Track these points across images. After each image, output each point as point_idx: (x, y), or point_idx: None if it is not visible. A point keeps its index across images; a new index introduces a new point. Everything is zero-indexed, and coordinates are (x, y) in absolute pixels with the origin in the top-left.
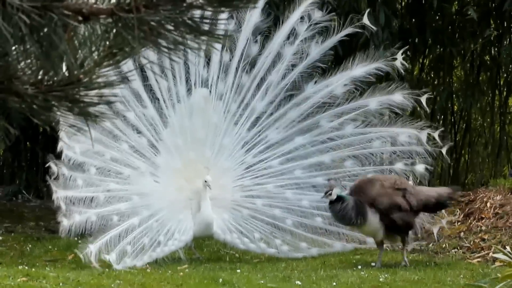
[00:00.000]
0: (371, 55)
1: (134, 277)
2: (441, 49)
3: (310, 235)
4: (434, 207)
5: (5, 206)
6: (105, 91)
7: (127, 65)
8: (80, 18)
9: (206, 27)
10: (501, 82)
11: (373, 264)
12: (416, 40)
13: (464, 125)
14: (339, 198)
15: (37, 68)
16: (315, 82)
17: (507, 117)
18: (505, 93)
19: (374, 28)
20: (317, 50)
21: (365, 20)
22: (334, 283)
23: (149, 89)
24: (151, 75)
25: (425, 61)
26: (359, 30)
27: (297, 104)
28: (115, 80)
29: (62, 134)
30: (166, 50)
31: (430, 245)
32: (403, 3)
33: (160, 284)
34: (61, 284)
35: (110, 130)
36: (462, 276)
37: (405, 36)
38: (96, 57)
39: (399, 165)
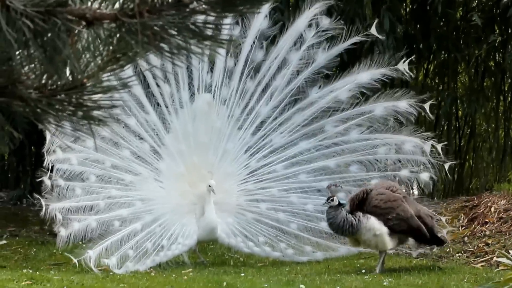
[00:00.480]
0: (376, 61)
1: (139, 280)
2: (446, 55)
3: (315, 238)
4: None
5: (9, 210)
6: (109, 95)
7: (128, 71)
8: (83, 23)
9: (209, 32)
10: (506, 88)
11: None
12: (421, 46)
13: (469, 130)
14: (340, 205)
15: (41, 73)
16: (320, 87)
17: None
18: (509, 98)
19: (382, 38)
20: (323, 56)
21: (373, 31)
22: (338, 287)
23: (151, 95)
24: (152, 81)
25: (429, 66)
26: (365, 38)
27: (302, 109)
28: (119, 84)
29: (56, 149)
30: (169, 55)
31: (434, 249)
32: (407, 9)
33: (164, 287)
34: (65, 287)
35: (111, 137)
36: (466, 280)
37: (409, 41)
38: (99, 61)
39: (404, 172)
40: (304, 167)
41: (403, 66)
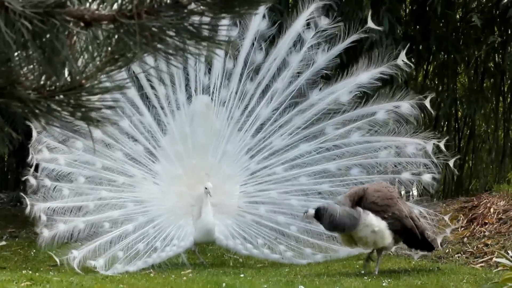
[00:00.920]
0: (375, 60)
1: (138, 281)
2: (445, 56)
3: (315, 240)
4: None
5: (9, 212)
6: (107, 96)
7: (123, 72)
8: (82, 24)
9: (207, 33)
10: (505, 89)
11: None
12: (420, 47)
13: (468, 131)
14: (318, 210)
15: (39, 74)
16: (320, 89)
17: (511, 123)
18: (509, 99)
19: (380, 28)
20: (323, 57)
21: (370, 23)
22: None
23: (145, 96)
24: (146, 83)
25: (429, 67)
26: (364, 35)
27: (302, 111)
28: (117, 85)
29: (43, 149)
30: (167, 55)
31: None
32: (407, 10)
33: None
34: None
35: (102, 139)
36: (465, 281)
37: (409, 42)
38: (98, 62)
39: (405, 175)
40: (304, 170)
41: (401, 58)
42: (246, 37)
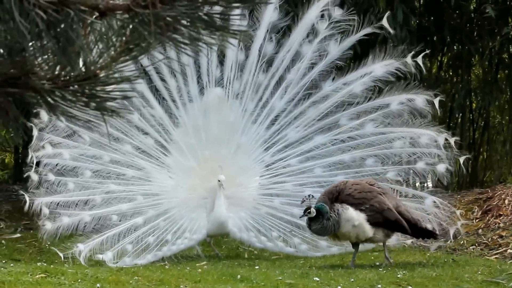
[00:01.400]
0: (390, 53)
1: (153, 273)
2: (460, 47)
3: None
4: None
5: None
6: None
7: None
8: (96, 13)
9: (221, 23)
10: None
11: (390, 260)
12: (435, 38)
13: (483, 122)
14: (319, 213)
15: (54, 64)
16: (333, 79)
17: None
18: None
19: (392, 31)
20: (337, 48)
21: (384, 22)
22: (352, 280)
23: (155, 89)
24: (155, 76)
25: (443, 59)
26: (378, 31)
27: (317, 103)
28: (132, 75)
29: (45, 145)
30: (182, 45)
31: (448, 242)
32: (421, 1)
33: (178, 280)
34: (79, 280)
35: (110, 132)
36: (480, 272)
37: (423, 34)
38: (112, 52)
39: (420, 165)
40: (319, 162)
41: (415, 60)
42: (259, 28)
